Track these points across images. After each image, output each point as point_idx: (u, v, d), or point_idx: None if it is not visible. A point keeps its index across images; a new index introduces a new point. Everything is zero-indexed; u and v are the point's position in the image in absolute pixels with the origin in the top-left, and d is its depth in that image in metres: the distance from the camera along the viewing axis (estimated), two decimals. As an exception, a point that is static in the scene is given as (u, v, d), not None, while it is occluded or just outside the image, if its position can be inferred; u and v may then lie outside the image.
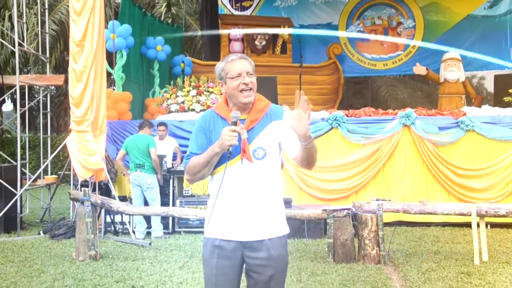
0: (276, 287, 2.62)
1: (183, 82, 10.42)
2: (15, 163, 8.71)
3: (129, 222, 7.88)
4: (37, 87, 11.31)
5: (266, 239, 2.58)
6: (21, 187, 8.34)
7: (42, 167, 9.18)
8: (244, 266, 2.64)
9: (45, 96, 10.41)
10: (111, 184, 8.10)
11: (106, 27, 9.38)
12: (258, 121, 2.61)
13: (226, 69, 2.63)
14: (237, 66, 2.60)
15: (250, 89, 2.60)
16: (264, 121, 2.62)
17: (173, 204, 8.02)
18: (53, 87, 13.00)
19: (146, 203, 7.69)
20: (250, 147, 2.57)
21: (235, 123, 2.53)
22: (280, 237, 2.63)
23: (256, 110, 2.64)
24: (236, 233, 2.58)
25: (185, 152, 7.84)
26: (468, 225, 6.68)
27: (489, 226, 7.37)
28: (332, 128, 8.59)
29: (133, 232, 7.69)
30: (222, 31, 13.24)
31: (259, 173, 2.58)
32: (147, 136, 7.80)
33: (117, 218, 8.04)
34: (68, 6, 9.68)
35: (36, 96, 16.86)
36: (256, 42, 13.18)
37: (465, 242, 7.00)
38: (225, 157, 2.54)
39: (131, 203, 7.62)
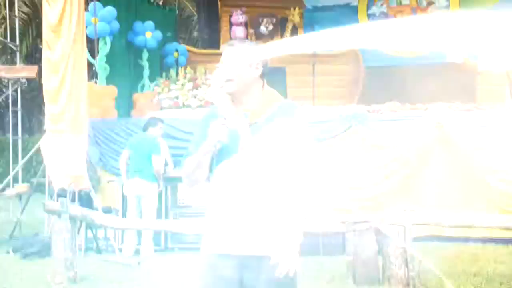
0: None
1: (177, 74, 10.43)
2: (-20, 169, 8.75)
3: (114, 238, 7.88)
4: (5, 80, 11.35)
5: (268, 257, 2.57)
6: (-12, 197, 8.38)
7: (12, 173, 9.21)
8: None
9: (15, 90, 10.45)
10: (93, 193, 8.10)
11: (86, 10, 9.40)
12: (263, 116, 2.66)
13: None
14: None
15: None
16: (271, 117, 2.66)
17: (166, 217, 8.02)
18: (24, 80, 13.01)
19: None
20: (252, 143, 2.60)
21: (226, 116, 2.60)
22: None
23: (263, 104, 2.69)
24: (233, 247, 2.59)
25: (177, 155, 7.87)
26: (513, 240, 6.65)
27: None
28: (351, 126, 8.58)
29: (119, 249, 7.69)
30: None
31: (261, 173, 2.60)
32: (151, 139, 7.78)
33: (100, 234, 8.05)
34: (41, -16, 9.70)
35: (4, 90, 16.91)
36: (262, 27, 13.12)
37: (511, 262, 6.97)
38: (224, 155, 2.59)
39: (117, 215, 7.63)
